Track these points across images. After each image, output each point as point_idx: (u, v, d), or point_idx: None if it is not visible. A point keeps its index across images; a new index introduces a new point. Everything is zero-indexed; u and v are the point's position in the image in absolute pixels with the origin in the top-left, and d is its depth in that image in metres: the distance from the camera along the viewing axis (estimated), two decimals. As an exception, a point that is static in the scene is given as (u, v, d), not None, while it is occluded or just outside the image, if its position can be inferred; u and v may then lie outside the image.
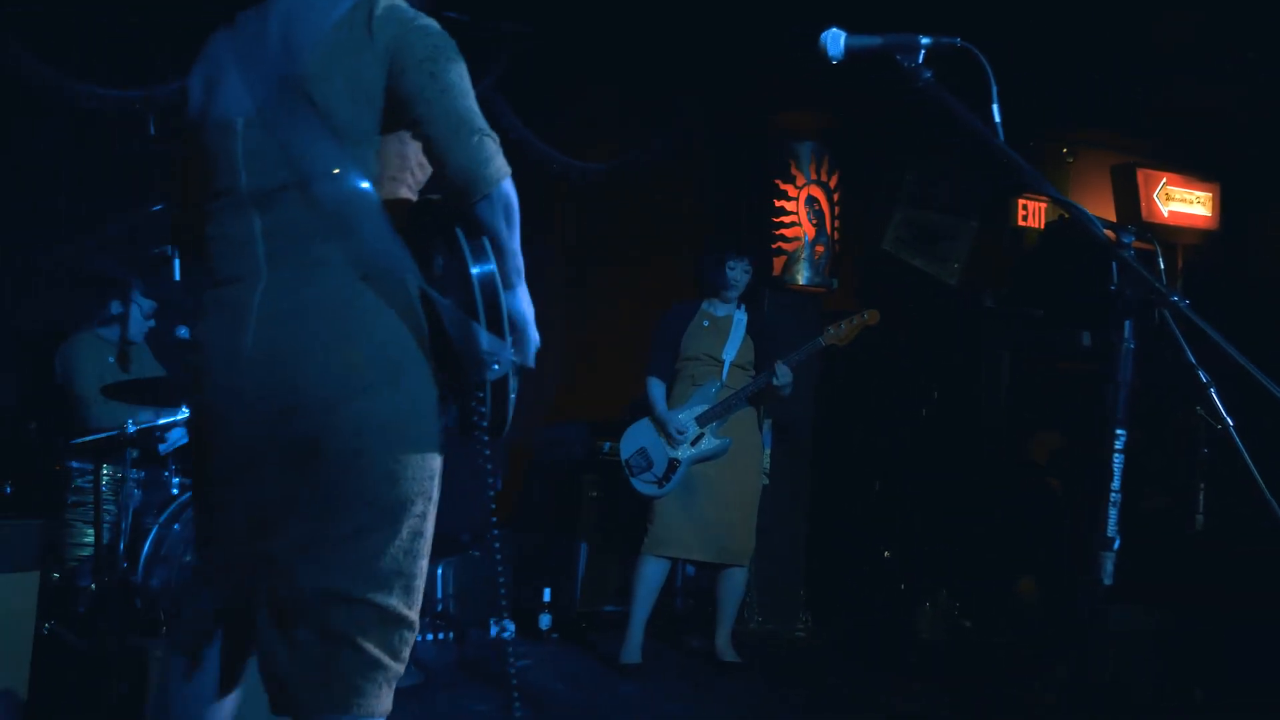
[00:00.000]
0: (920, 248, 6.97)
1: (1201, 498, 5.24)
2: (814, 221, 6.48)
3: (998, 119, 2.21)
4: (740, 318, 5.15)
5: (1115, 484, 1.97)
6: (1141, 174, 7.78)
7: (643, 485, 4.96)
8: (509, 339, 2.07)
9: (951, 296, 6.99)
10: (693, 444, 4.95)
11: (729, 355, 5.07)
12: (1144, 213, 7.70)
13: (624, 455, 5.03)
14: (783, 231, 6.42)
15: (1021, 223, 7.47)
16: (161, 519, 4.28)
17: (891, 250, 6.94)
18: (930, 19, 5.33)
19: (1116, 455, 1.99)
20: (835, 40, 2.30)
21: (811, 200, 6.50)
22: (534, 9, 5.65)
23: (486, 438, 2.13)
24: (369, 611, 2.02)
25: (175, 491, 4.44)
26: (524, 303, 2.17)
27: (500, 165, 2.04)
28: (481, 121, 2.05)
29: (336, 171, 2.02)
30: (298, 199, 2.04)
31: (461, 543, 5.57)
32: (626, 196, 6.42)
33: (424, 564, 2.12)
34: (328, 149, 2.02)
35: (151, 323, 4.89)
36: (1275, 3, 5.61)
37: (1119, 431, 2.01)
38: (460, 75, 2.08)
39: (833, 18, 3.00)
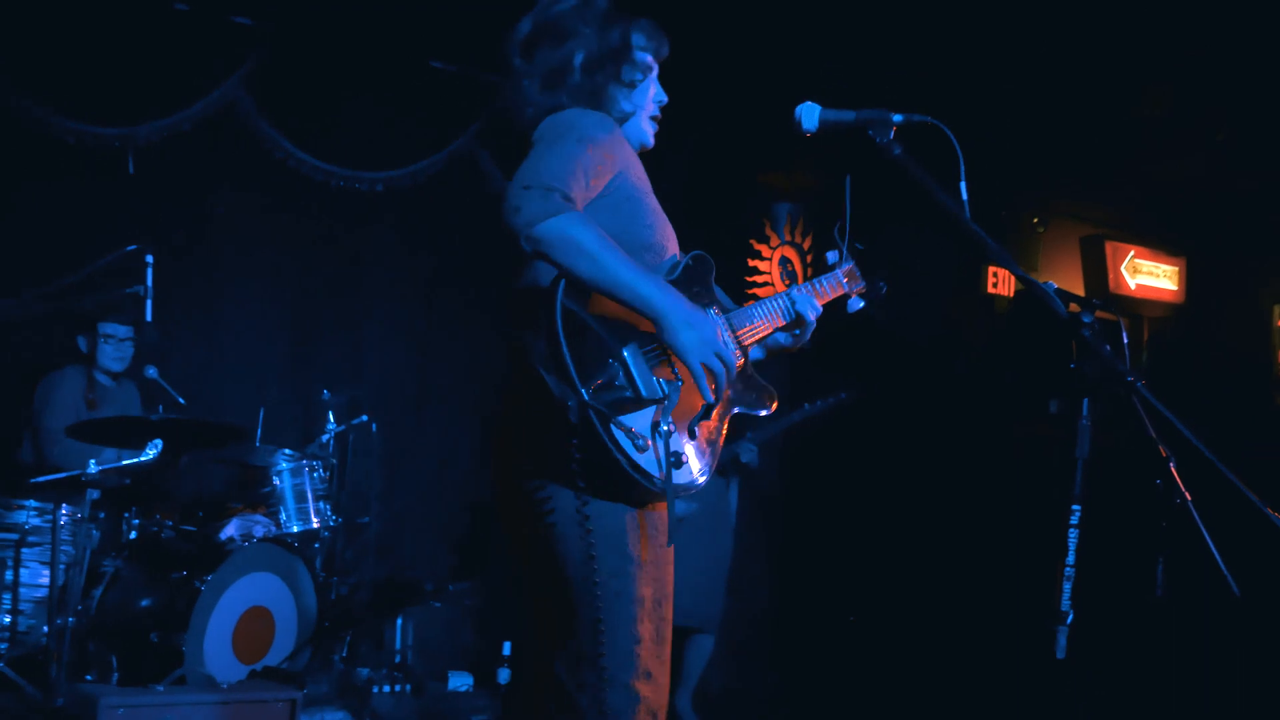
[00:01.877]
0: (892, 313, 7.03)
1: (1160, 569, 5.28)
2: (787, 282, 6.54)
3: (964, 196, 2.27)
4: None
5: (1070, 559, 2.01)
6: (1110, 246, 7.91)
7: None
8: (577, 379, 2.03)
9: (922, 361, 7.06)
10: None
11: None
12: (1111, 284, 7.82)
13: None
14: (754, 291, 6.48)
15: (991, 290, 7.58)
16: (119, 562, 4.24)
17: (853, 310, 7.00)
18: (909, 90, 5.50)
19: (1072, 530, 2.02)
20: (810, 114, 2.37)
21: (785, 261, 6.57)
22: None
23: (582, 483, 2.07)
24: None
25: (135, 536, 4.40)
26: (681, 334, 2.07)
27: (540, 208, 2.01)
28: (542, 177, 2.04)
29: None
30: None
31: (424, 592, 5.54)
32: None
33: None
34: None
35: (129, 349, 4.83)
36: (1244, 81, 5.78)
37: (1074, 507, 2.05)
38: (552, 140, 2.13)
39: (815, 84, 3.10)
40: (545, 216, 2.01)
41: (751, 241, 6.51)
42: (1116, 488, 6.69)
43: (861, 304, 2.83)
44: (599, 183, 2.17)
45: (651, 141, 2.46)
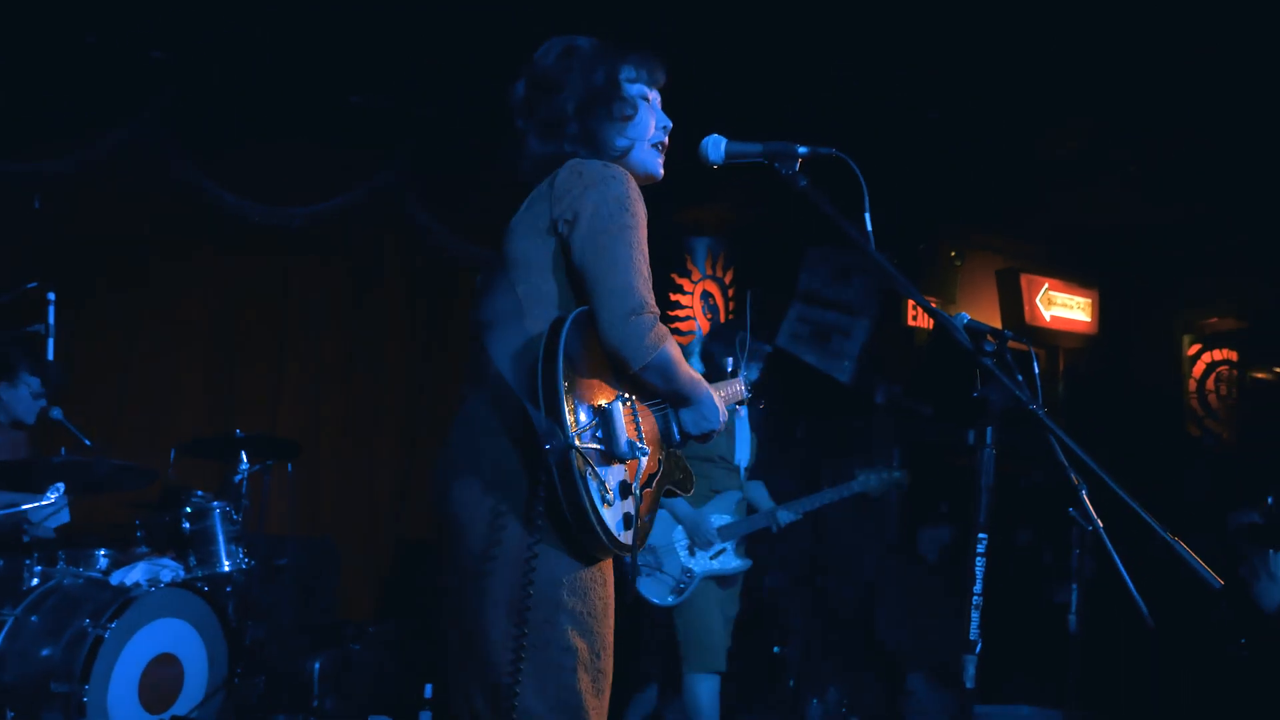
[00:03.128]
0: (814, 344, 7.09)
1: (1074, 599, 5.35)
2: (708, 316, 6.56)
3: (869, 226, 2.29)
4: (743, 412, 4.77)
5: (977, 587, 2.00)
6: (1025, 279, 8.05)
7: (652, 591, 4.49)
8: (566, 420, 2.06)
9: (843, 393, 7.12)
10: (712, 557, 4.54)
11: (742, 458, 4.73)
12: (1027, 316, 7.95)
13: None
14: (676, 325, 6.50)
15: (911, 322, 7.67)
16: (18, 610, 4.09)
17: (786, 346, 7.05)
18: (825, 123, 5.56)
19: (978, 559, 2.02)
20: (716, 146, 2.38)
21: (706, 295, 6.60)
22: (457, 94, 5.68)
23: (540, 522, 2.10)
24: None
25: (35, 583, 4.25)
26: (691, 412, 2.34)
27: (653, 339, 2.17)
28: (638, 297, 2.16)
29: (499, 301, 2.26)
30: (476, 334, 2.26)
31: (343, 634, 5.42)
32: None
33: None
34: (499, 284, 2.26)
35: (41, 402, 4.71)
36: (1155, 118, 5.92)
37: (980, 535, 2.05)
38: (629, 243, 2.19)
39: (728, 118, 3.10)
40: (656, 347, 2.17)
41: (672, 275, 6.52)
42: (1032, 516, 6.80)
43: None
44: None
45: (660, 171, 2.50)
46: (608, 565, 2.25)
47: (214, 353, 5.73)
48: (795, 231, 6.67)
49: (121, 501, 4.89)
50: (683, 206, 6.61)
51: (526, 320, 2.21)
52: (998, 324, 7.75)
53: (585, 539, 2.12)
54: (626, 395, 2.22)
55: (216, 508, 4.67)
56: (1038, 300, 8.08)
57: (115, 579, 4.38)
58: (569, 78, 2.36)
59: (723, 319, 6.63)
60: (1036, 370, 4.23)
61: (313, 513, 5.82)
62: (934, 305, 2.34)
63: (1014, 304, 8.01)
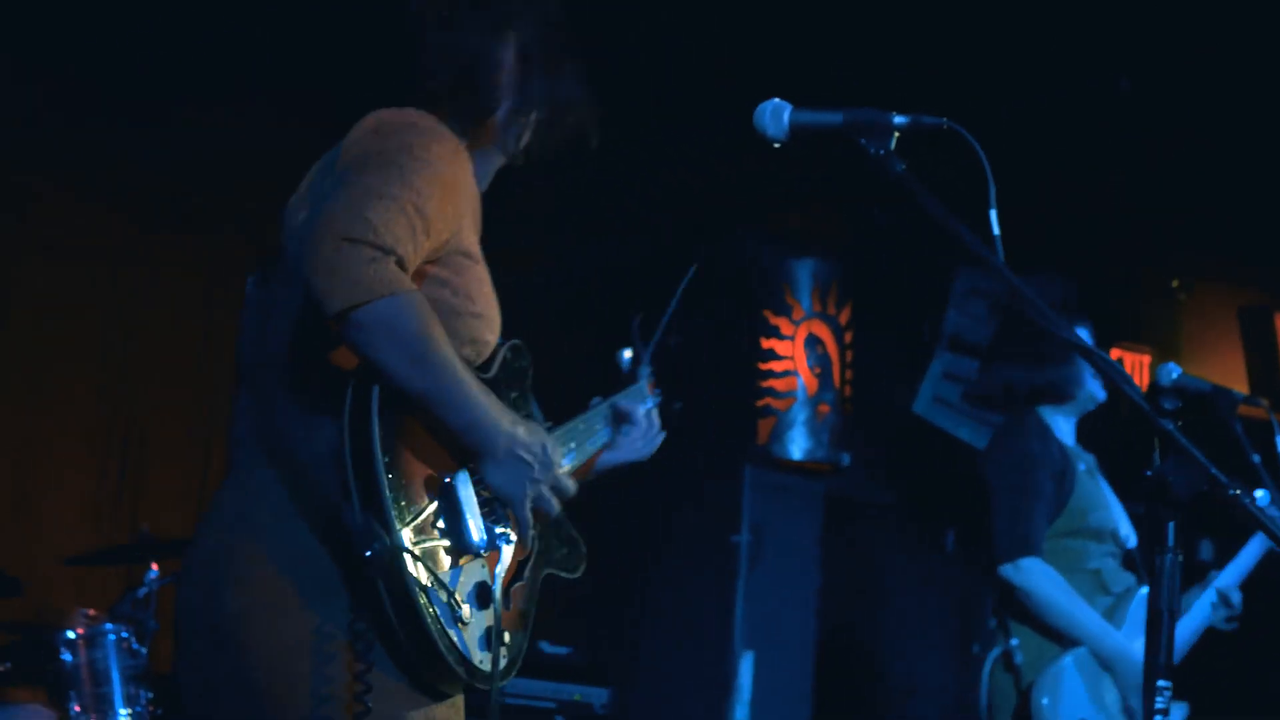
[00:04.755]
0: (969, 412, 6.98)
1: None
2: (816, 370, 6.50)
3: (996, 230, 2.22)
4: (1090, 461, 4.64)
5: None
6: (1281, 320, 7.90)
7: None
8: (392, 514, 2.05)
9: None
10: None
11: (1129, 533, 4.53)
12: (1285, 372, 7.79)
13: None
14: (772, 383, 6.45)
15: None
16: None
17: (927, 415, 6.95)
18: (982, 90, 5.52)
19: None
20: (777, 116, 2.33)
21: (814, 341, 6.54)
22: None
23: (362, 664, 2.08)
24: None
25: None
26: (506, 467, 2.22)
27: (367, 277, 2.04)
28: (367, 227, 2.06)
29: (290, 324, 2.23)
30: (263, 371, 2.28)
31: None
32: (549, 320, 6.44)
33: None
34: (288, 300, 2.22)
35: None
36: None
37: (1161, 684, 1.97)
38: (380, 165, 2.16)
39: (822, 87, 3.06)
40: (370, 295, 2.04)
41: (765, 314, 6.47)
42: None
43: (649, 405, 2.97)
44: (435, 243, 2.20)
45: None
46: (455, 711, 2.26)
47: (110, 417, 5.82)
48: (940, 251, 6.59)
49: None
50: (773, 211, 6.56)
51: (318, 356, 2.17)
52: (1239, 381, 7.58)
53: (431, 673, 2.12)
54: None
55: (109, 633, 4.69)
56: (1301, 351, 7.91)
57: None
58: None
59: (837, 374, 6.56)
60: (1281, 448, 4.09)
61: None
62: (1114, 358, 2.27)
63: (1264, 354, 7.85)
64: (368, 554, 2.00)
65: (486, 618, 2.17)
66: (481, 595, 2.17)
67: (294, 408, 2.19)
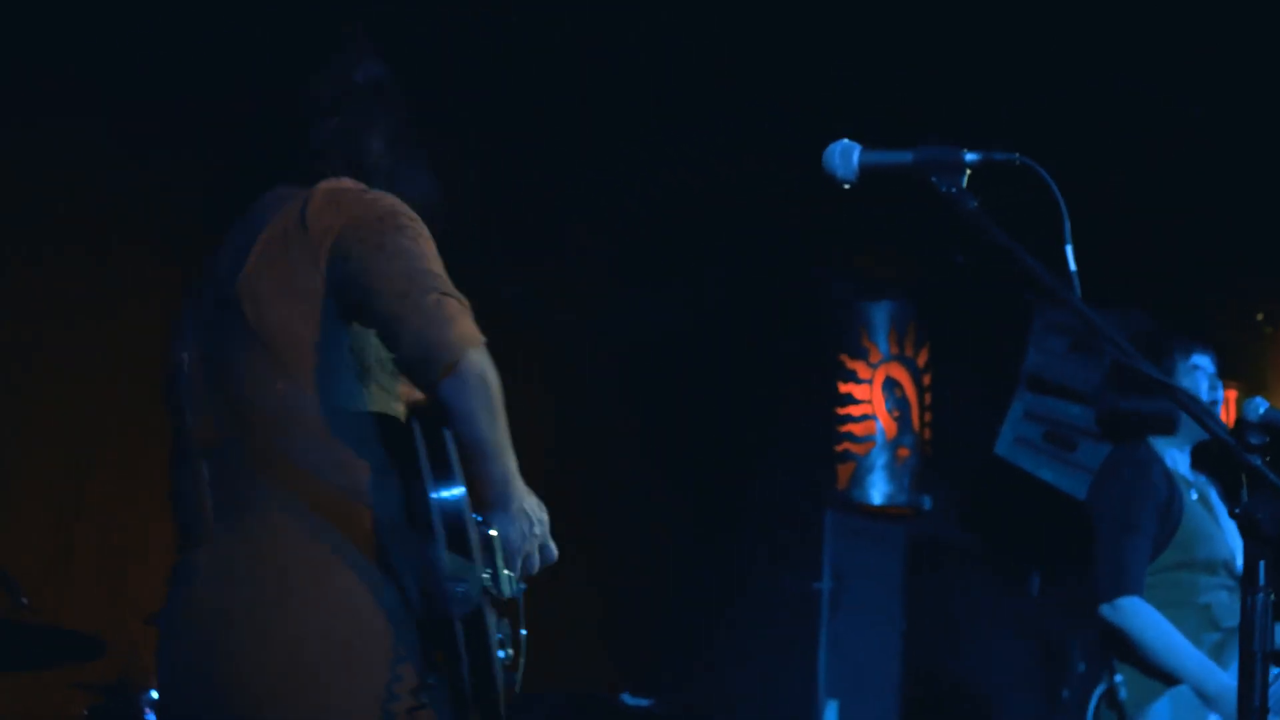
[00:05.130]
0: (1052, 453, 6.91)
1: None
2: (895, 414, 6.48)
3: (1072, 266, 2.20)
4: (1211, 486, 4.58)
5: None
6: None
7: None
8: (479, 561, 2.24)
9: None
10: None
11: (1238, 557, 4.35)
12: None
13: None
14: (850, 428, 6.43)
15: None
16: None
17: (1008, 456, 6.88)
18: (1048, 122, 5.49)
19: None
20: (846, 157, 2.33)
21: (891, 384, 6.52)
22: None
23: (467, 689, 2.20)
24: None
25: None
26: (517, 523, 2.37)
27: (468, 329, 2.24)
28: (442, 283, 2.29)
29: (279, 387, 2.30)
30: (236, 437, 2.33)
31: None
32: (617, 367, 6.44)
33: None
34: (263, 370, 2.31)
35: None
36: None
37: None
38: (414, 238, 2.34)
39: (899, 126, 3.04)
40: (477, 341, 2.25)
41: (843, 358, 6.45)
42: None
43: None
44: None
45: None
46: None
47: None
48: (1017, 290, 6.54)
49: (62, 683, 4.97)
50: (850, 256, 6.56)
51: (344, 405, 2.30)
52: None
53: (480, 713, 2.22)
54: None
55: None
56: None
57: None
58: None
59: (916, 417, 6.52)
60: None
61: None
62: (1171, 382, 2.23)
63: (1353, 388, 7.69)
64: (458, 590, 2.14)
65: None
66: (515, 634, 2.31)
67: (324, 459, 2.27)
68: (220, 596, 2.25)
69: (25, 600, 4.90)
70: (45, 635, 4.41)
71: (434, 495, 2.23)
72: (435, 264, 2.32)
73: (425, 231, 2.37)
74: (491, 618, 2.25)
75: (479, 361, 2.23)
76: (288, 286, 2.33)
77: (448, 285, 2.29)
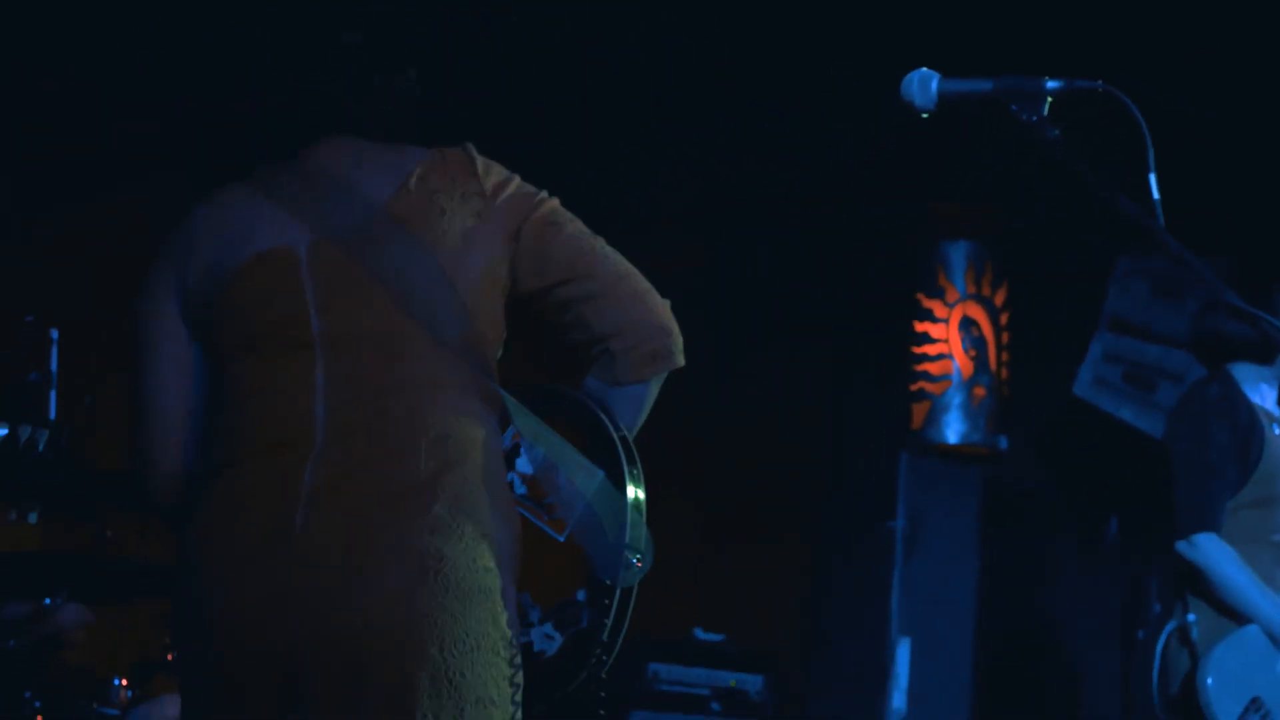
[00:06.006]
0: (1131, 394, 6.86)
1: None
2: (971, 353, 6.45)
3: (1155, 194, 2.19)
4: None
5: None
6: None
7: None
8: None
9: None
10: None
11: None
12: None
13: (1219, 718, 4.21)
14: (926, 367, 6.42)
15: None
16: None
17: (1088, 397, 6.84)
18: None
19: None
20: (925, 85, 2.34)
21: (968, 323, 6.49)
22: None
23: (605, 656, 2.37)
24: None
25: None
26: None
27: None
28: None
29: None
30: (388, 344, 2.28)
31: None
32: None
33: None
34: (445, 293, 2.29)
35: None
36: None
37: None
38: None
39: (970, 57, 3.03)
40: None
41: (919, 296, 6.43)
42: None
43: None
44: None
45: None
46: None
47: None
48: (1097, 231, 6.48)
49: (149, 615, 5.06)
50: (930, 200, 6.52)
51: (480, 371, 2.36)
52: None
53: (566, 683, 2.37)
54: None
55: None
56: None
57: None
58: None
59: (993, 357, 6.49)
60: None
61: None
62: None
63: None
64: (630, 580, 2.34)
65: None
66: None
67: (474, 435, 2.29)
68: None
69: (109, 533, 5.00)
70: (130, 568, 4.49)
71: (630, 493, 2.36)
72: None
73: None
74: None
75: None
76: (465, 228, 2.35)
77: None
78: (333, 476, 2.18)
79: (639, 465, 2.39)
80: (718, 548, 6.33)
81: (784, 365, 6.65)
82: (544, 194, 2.44)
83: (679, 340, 2.41)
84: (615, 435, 2.36)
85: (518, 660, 2.21)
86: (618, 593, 2.32)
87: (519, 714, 2.20)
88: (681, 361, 2.41)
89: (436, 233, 2.31)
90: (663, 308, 2.42)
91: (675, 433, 6.22)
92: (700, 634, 5.97)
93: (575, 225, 2.43)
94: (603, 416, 2.36)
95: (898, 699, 6.21)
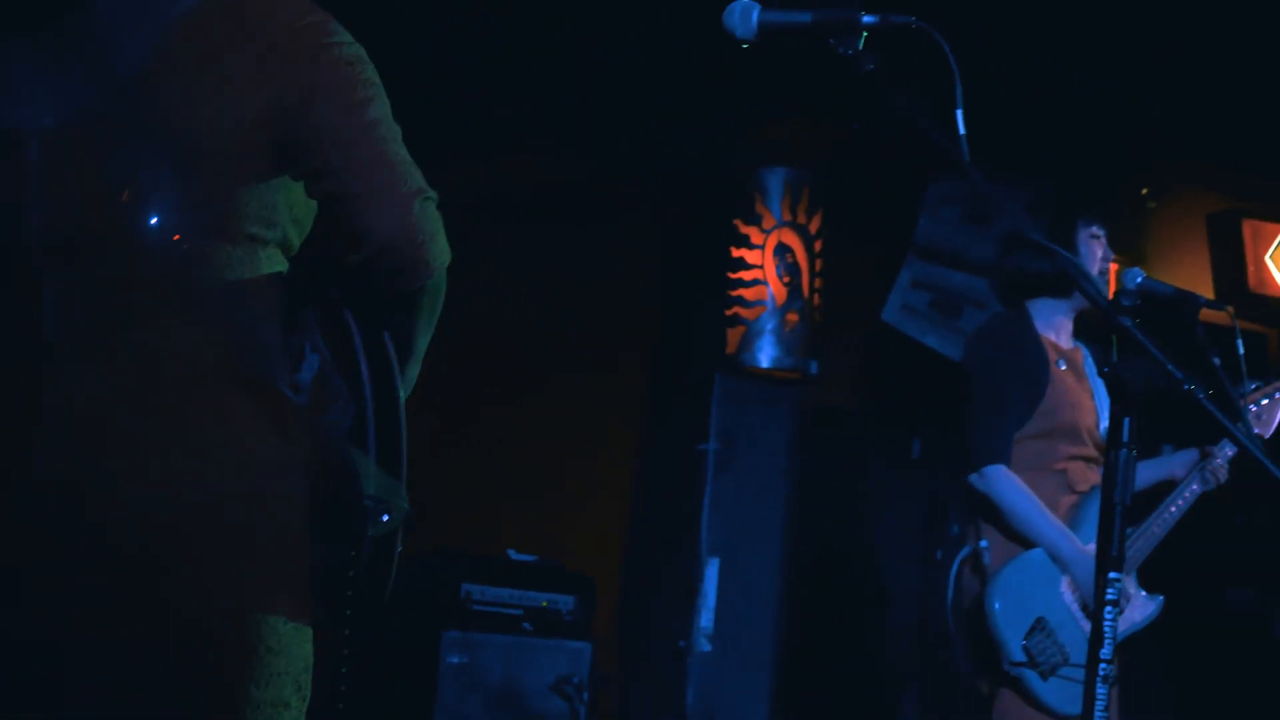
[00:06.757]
0: (936, 320, 7.02)
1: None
2: (785, 279, 6.51)
3: (962, 129, 2.26)
4: (1087, 352, 4.72)
5: (1105, 652, 1.99)
6: (1249, 227, 7.89)
7: (1061, 695, 4.27)
8: (404, 481, 2.13)
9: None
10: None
11: (1103, 426, 4.59)
12: (1251, 280, 7.79)
13: (1006, 639, 4.30)
14: (741, 292, 6.47)
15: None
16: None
17: (895, 323, 6.99)
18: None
19: (1106, 611, 2.01)
20: (746, 15, 2.38)
21: (783, 249, 6.54)
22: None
23: (349, 613, 2.12)
24: None
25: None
26: None
27: (445, 248, 2.17)
28: (422, 179, 2.15)
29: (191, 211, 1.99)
30: (121, 252, 1.99)
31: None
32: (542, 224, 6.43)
33: None
34: (179, 182, 1.99)
35: None
36: None
37: (1111, 576, 2.04)
38: (389, 115, 2.15)
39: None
40: (449, 257, 2.25)
41: (735, 222, 6.49)
42: (1255, 569, 6.73)
43: None
44: None
45: None
46: None
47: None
48: (910, 159, 6.61)
49: None
50: (747, 125, 6.56)
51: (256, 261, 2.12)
52: (1205, 288, 7.62)
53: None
54: None
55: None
56: (1268, 258, 7.93)
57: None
58: None
59: (806, 283, 6.58)
60: (1242, 351, 4.17)
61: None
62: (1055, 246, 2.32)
63: (1232, 262, 7.85)
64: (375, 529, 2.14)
65: None
66: None
67: (232, 318, 2.07)
68: (106, 441, 1.97)
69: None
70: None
71: (370, 388, 2.10)
72: (405, 150, 2.15)
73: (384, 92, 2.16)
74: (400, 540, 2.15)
75: (443, 281, 2.22)
76: (221, 106, 2.03)
77: (423, 180, 2.14)
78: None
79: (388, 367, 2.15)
80: (534, 467, 6.36)
81: (609, 286, 6.65)
82: (341, 49, 2.14)
83: (431, 247, 2.13)
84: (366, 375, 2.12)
85: None
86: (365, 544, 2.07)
87: None
88: (426, 278, 2.14)
89: (177, 99, 2.04)
90: (418, 213, 2.11)
91: (491, 348, 6.27)
92: (513, 554, 6.01)
93: (339, 99, 2.10)
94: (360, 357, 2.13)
95: (705, 618, 6.33)
